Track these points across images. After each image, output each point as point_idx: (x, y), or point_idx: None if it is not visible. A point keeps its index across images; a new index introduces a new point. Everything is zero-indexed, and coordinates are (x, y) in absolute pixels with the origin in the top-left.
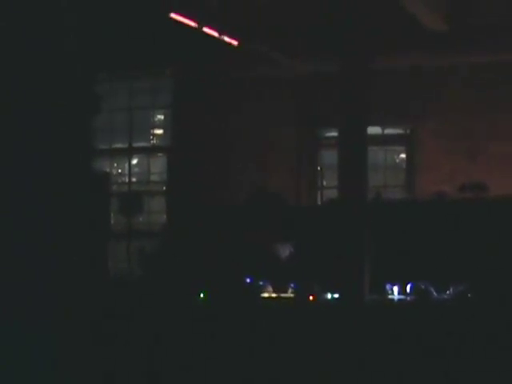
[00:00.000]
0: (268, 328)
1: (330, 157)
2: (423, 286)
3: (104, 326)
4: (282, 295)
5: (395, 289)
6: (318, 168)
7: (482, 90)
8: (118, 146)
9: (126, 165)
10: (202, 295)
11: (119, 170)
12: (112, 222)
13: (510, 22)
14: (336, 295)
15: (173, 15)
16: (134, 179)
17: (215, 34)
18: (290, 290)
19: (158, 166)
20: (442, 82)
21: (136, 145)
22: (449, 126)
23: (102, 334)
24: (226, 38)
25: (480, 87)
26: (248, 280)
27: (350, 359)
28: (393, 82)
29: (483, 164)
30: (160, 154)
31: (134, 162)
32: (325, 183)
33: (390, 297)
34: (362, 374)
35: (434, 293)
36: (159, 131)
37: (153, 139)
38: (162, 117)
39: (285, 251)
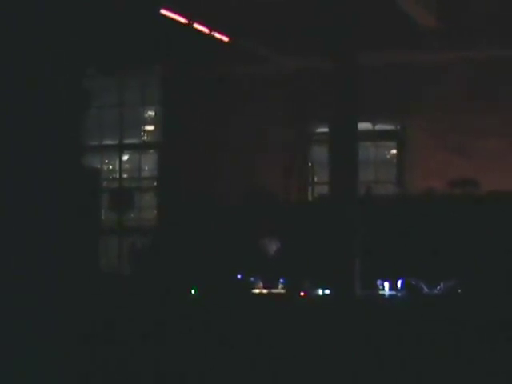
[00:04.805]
0: (259, 324)
1: (320, 153)
2: (414, 282)
3: (96, 322)
4: (273, 291)
5: (386, 284)
6: (309, 164)
7: (473, 86)
8: (109, 142)
9: (117, 161)
10: (193, 291)
11: (110, 167)
12: (103, 218)
13: (500, 19)
14: (327, 291)
15: (163, 11)
16: (124, 175)
17: (206, 30)
18: (280, 286)
19: (149, 162)
20: (432, 79)
21: (127, 141)
22: (439, 123)
23: (95, 329)
24: (217, 35)
25: (470, 84)
26: (239, 276)
27: (340, 354)
28: (383, 79)
29: (473, 160)
30: (151, 151)
31: (125, 158)
32: (316, 179)
33: (381, 292)
34: (352, 369)
35: (425, 288)
36: (150, 127)
37: (144, 136)
38: (152, 113)
39: (272, 247)
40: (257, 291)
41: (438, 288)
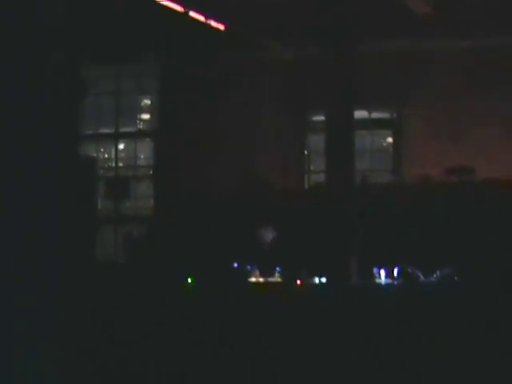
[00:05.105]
0: (256, 313)
1: (317, 141)
2: (410, 270)
3: (93, 312)
4: (270, 280)
5: (382, 273)
6: (305, 153)
7: (469, 74)
8: (105, 130)
9: (113, 149)
10: (189, 280)
11: (106, 155)
12: (99, 206)
13: (498, 6)
14: (323, 279)
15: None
16: (120, 164)
17: (202, 18)
18: (276, 275)
19: (145, 150)
20: (429, 67)
21: (123, 130)
22: (435, 111)
23: (92, 320)
24: (213, 23)
25: (467, 72)
26: (235, 265)
27: (337, 343)
28: (380, 67)
29: (469, 148)
30: (147, 139)
31: (121, 146)
32: (312, 167)
33: (377, 281)
34: (348, 359)
35: (421, 276)
36: (146, 116)
37: (140, 124)
38: (148, 102)
39: (268, 235)
40: (253, 280)
41: (435, 276)
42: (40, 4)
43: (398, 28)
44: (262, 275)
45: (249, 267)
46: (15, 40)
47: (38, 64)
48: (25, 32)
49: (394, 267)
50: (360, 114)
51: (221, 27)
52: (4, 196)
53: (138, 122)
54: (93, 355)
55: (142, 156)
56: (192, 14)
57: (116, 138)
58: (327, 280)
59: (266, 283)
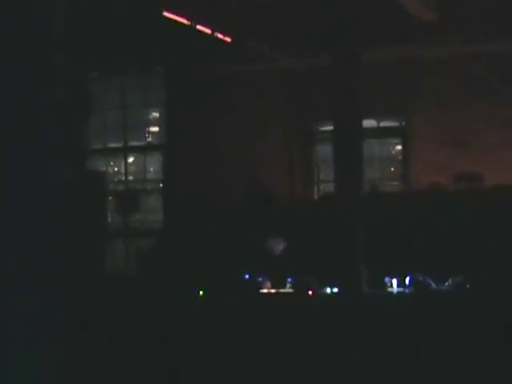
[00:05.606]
0: (268, 324)
1: (326, 151)
2: (421, 278)
3: (101, 324)
4: (281, 291)
5: (394, 282)
6: (315, 162)
7: (474, 80)
8: (114, 144)
9: (122, 163)
10: (200, 293)
11: (115, 169)
12: (109, 220)
13: (500, 12)
14: (335, 289)
15: (166, 13)
16: (130, 178)
17: (208, 31)
18: (288, 285)
19: (154, 163)
20: (435, 73)
21: (132, 143)
22: (443, 117)
23: (100, 332)
24: (219, 35)
25: (472, 77)
26: (246, 276)
27: (349, 353)
28: (386, 74)
29: (478, 154)
30: (156, 152)
31: (130, 160)
32: (321, 177)
33: (389, 290)
34: (361, 367)
35: (433, 284)
36: (154, 129)
37: (148, 137)
38: (157, 115)
39: (279, 246)
40: (265, 291)
41: (446, 284)
42: (43, 14)
43: (404, 36)
44: (273, 286)
45: (260, 279)
46: (21, 54)
47: (45, 78)
48: (31, 46)
49: (405, 276)
50: (369, 123)
51: (227, 40)
52: (13, 210)
53: (146, 135)
54: (98, 365)
55: (151, 169)
56: (198, 27)
57: (125, 151)
58: (338, 290)
59: (277, 294)
